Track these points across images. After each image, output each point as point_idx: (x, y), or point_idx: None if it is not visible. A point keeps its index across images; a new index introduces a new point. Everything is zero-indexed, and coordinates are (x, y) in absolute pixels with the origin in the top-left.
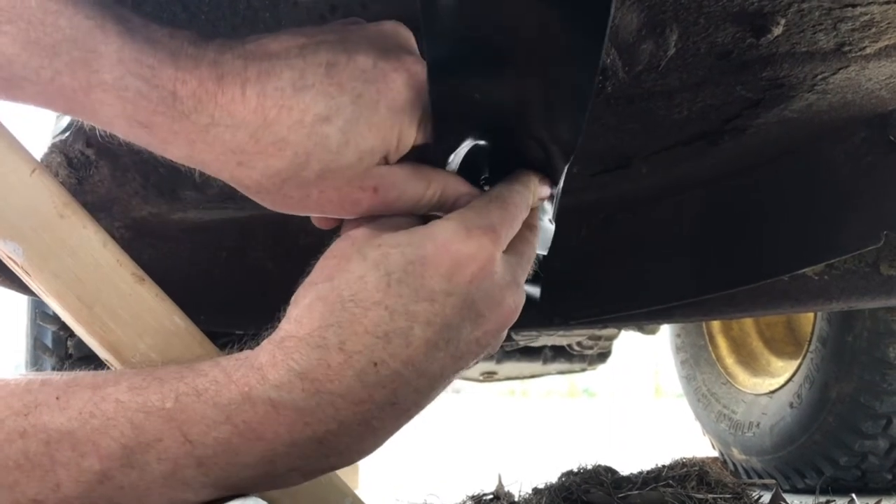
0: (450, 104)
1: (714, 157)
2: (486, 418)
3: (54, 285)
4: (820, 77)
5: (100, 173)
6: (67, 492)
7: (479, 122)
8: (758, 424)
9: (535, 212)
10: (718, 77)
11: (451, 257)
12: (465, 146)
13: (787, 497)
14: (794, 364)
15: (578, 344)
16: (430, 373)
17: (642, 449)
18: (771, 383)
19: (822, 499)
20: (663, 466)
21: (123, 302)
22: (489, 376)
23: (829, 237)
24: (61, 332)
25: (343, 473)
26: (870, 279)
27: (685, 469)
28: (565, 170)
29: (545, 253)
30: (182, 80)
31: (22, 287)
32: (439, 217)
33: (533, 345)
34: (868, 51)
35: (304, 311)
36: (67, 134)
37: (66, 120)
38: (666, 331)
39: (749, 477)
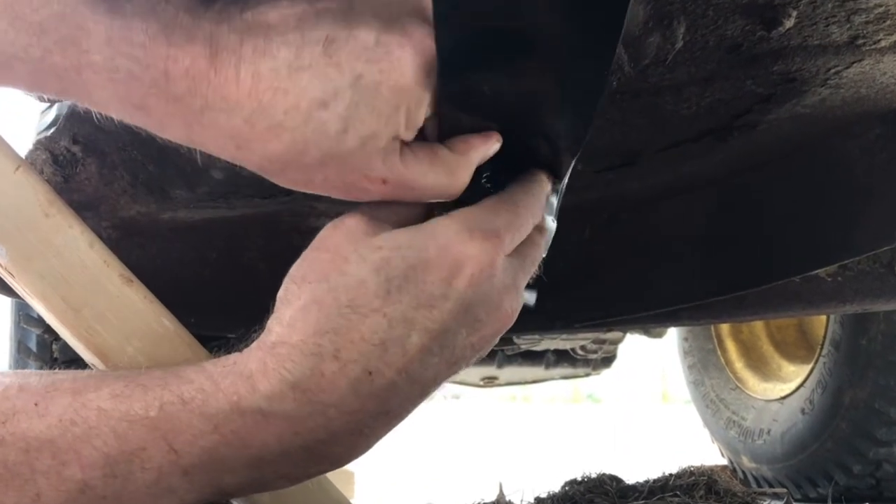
0: (457, 98)
1: (723, 154)
2: (487, 424)
3: (39, 287)
4: (833, 71)
5: (86, 171)
6: (47, 501)
7: (487, 117)
8: (768, 431)
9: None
10: (728, 71)
11: (452, 260)
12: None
13: None
14: (806, 368)
15: (582, 348)
16: (424, 379)
17: (648, 457)
18: (782, 388)
19: None
20: (670, 475)
21: (111, 304)
22: (490, 381)
23: (843, 237)
24: (46, 336)
25: (338, 481)
26: (885, 281)
27: (693, 478)
28: (571, 166)
29: (544, 254)
30: (174, 59)
31: (5, 289)
32: (443, 207)
33: (535, 349)
34: (883, 44)
35: (297, 314)
36: (53, 130)
37: (51, 115)
38: (673, 334)
39: (759, 486)
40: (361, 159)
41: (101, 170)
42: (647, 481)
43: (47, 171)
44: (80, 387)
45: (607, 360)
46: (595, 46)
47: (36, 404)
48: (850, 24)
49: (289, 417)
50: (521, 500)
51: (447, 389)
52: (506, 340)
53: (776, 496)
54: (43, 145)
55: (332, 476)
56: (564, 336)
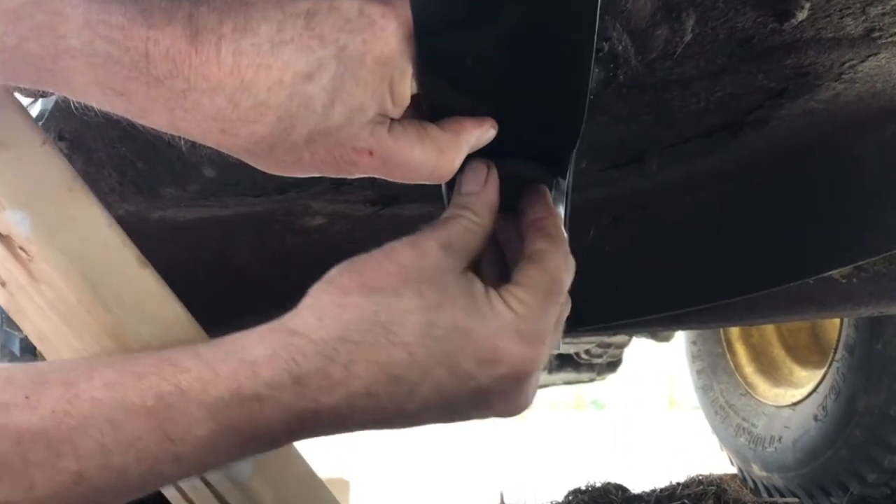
0: (437, 68)
1: (733, 152)
2: (487, 432)
3: (60, 261)
4: (848, 65)
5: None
6: (41, 493)
7: (474, 95)
8: (779, 439)
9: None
10: (739, 65)
11: (492, 351)
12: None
13: None
14: (819, 374)
15: (587, 352)
16: (414, 420)
17: (655, 465)
18: (794, 394)
19: None
20: (678, 484)
21: (128, 285)
22: None
23: (858, 237)
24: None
25: (333, 491)
26: None
27: (701, 487)
28: (572, 160)
29: None
30: (154, 40)
31: None
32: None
33: None
34: None
35: (331, 311)
36: (38, 125)
37: (35, 110)
38: (680, 338)
39: (770, 495)
40: (349, 133)
41: (88, 167)
42: (653, 491)
43: None
44: (71, 378)
45: (612, 365)
46: (576, 17)
47: (27, 397)
48: (866, 15)
49: (282, 406)
50: None
51: None
52: None
53: None
54: None
55: (327, 486)
56: (568, 340)
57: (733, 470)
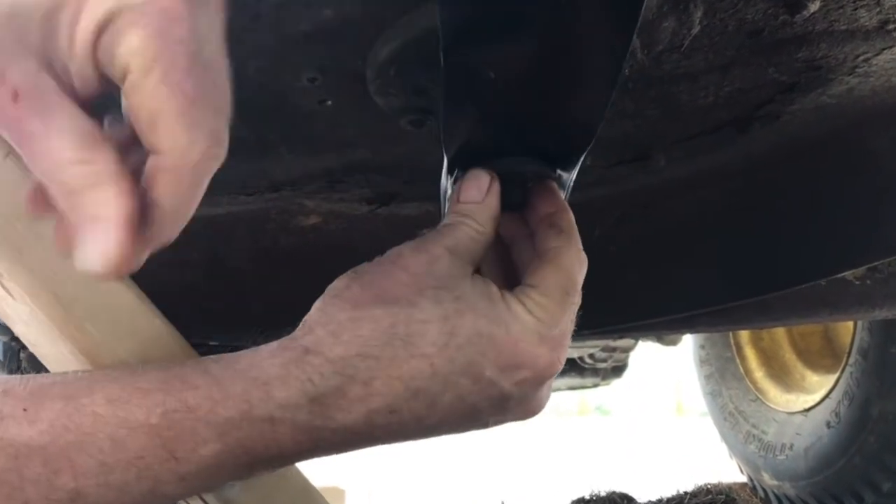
0: (462, 82)
1: (743, 148)
2: (488, 439)
3: (28, 282)
4: (862, 58)
5: None
6: None
7: (492, 103)
8: (791, 446)
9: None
10: (748, 58)
11: (516, 357)
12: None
13: None
14: (832, 379)
15: (591, 356)
16: (432, 432)
17: (662, 473)
18: (805, 400)
19: None
20: (685, 493)
21: (103, 301)
22: None
23: (872, 237)
24: (13, 343)
25: (329, 499)
26: None
27: (710, 496)
28: (581, 160)
29: None
30: None
31: None
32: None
33: None
34: None
35: (345, 326)
36: None
37: None
38: (688, 342)
39: None
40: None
41: None
42: (660, 500)
43: None
44: (72, 391)
45: (618, 370)
46: (612, 30)
47: (25, 410)
48: (881, 7)
49: (296, 426)
50: None
51: None
52: None
53: None
54: None
55: (323, 495)
56: (571, 343)
57: (743, 479)
